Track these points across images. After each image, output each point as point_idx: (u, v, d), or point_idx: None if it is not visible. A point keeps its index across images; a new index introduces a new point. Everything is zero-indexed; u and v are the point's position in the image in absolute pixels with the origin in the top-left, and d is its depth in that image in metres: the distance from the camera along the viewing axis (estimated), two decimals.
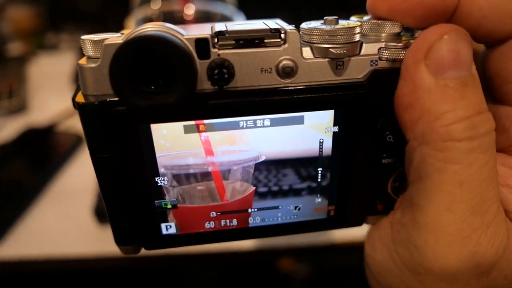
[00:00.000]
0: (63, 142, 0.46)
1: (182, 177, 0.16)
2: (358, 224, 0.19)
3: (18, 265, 0.33)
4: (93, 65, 0.14)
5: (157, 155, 0.16)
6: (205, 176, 0.16)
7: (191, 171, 0.16)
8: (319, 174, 0.18)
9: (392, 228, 0.17)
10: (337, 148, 0.17)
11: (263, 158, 0.17)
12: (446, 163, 0.14)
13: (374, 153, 0.17)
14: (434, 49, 0.13)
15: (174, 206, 0.17)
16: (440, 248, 0.15)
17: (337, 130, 0.17)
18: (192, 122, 0.15)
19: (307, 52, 0.15)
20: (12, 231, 0.36)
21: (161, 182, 0.17)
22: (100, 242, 0.34)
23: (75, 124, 0.48)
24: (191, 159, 0.16)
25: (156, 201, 0.17)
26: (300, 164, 0.17)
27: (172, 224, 0.18)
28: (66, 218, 0.37)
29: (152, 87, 0.14)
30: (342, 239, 0.35)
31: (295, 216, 0.18)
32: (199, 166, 0.16)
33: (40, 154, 0.43)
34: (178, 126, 0.15)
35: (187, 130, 0.16)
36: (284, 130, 0.16)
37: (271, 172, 0.17)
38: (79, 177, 0.41)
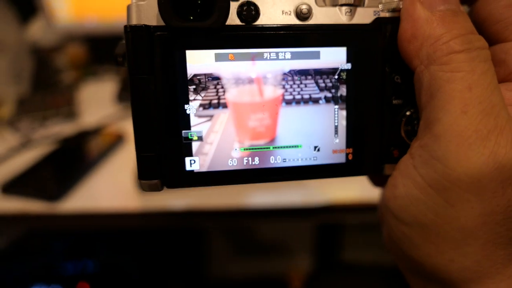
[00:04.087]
0: (109, 137, 0.61)
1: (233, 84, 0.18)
2: (377, 171, 0.19)
3: (76, 218, 0.48)
4: (141, 2, 0.16)
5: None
6: (250, 80, 0.18)
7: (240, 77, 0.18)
8: (335, 110, 0.19)
9: (413, 157, 0.17)
10: (351, 85, 0.18)
11: (288, 70, 0.18)
12: (452, 72, 0.15)
13: (384, 94, 0.19)
14: None
15: (200, 138, 0.18)
16: (461, 152, 0.15)
17: (350, 68, 0.18)
18: (223, 51, 0.17)
19: (320, 1, 0.18)
20: (74, 190, 0.50)
21: (189, 111, 0.17)
22: (139, 201, 0.48)
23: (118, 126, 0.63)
24: (241, 69, 0.18)
25: (183, 131, 0.18)
26: (317, 81, 0.18)
27: (196, 160, 0.18)
28: (114, 182, 0.51)
29: (191, 17, 0.16)
30: None
31: (315, 158, 0.19)
32: (247, 74, 0.18)
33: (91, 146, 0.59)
34: (210, 53, 0.17)
35: (217, 58, 0.17)
36: (304, 63, 0.18)
37: (295, 82, 0.18)
38: (127, 153, 0.57)
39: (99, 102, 0.72)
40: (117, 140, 0.60)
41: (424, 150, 0.16)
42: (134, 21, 0.16)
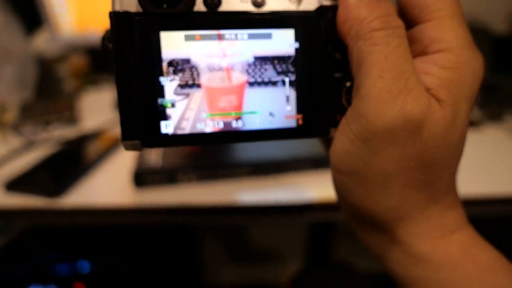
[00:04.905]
0: (108, 141, 0.64)
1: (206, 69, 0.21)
2: (324, 134, 0.22)
3: (75, 213, 0.51)
4: None
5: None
6: (221, 68, 0.21)
7: (213, 65, 0.21)
8: (287, 82, 0.22)
9: (346, 117, 0.20)
10: (299, 61, 0.21)
11: (252, 60, 0.21)
12: (372, 46, 0.18)
13: (327, 69, 0.22)
14: None
15: (173, 105, 0.21)
16: (378, 107, 0.18)
17: (298, 46, 0.21)
18: (190, 32, 0.20)
19: None
20: (73, 188, 0.53)
21: (163, 82, 0.20)
22: (134, 198, 0.51)
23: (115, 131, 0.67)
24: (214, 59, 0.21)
25: (159, 99, 0.20)
26: (275, 65, 0.22)
27: (170, 123, 0.21)
28: (112, 181, 0.55)
29: (165, 2, 0.19)
30: None
31: (271, 122, 0.22)
32: (217, 62, 0.21)
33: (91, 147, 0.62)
34: (180, 34, 0.20)
35: (187, 38, 0.20)
36: (259, 43, 0.21)
37: (257, 68, 0.21)
38: (124, 155, 0.60)
39: (99, 109, 0.76)
40: (115, 144, 0.63)
41: (353, 110, 0.19)
42: (117, 8, 0.19)
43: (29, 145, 0.62)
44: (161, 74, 0.20)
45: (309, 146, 0.58)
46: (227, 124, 0.22)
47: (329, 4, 0.21)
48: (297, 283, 0.64)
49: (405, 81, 0.18)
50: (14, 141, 0.65)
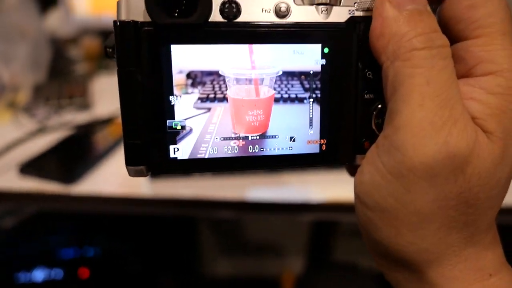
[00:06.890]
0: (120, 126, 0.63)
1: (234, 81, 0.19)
2: (349, 161, 0.20)
3: (87, 200, 0.50)
4: None
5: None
6: (249, 81, 0.19)
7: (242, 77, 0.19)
8: (310, 104, 0.20)
9: (377, 146, 0.18)
10: (325, 80, 0.19)
11: (280, 73, 0.19)
12: (413, 68, 0.16)
13: (357, 89, 0.19)
14: None
15: (183, 127, 0.19)
16: (417, 141, 0.16)
17: (324, 63, 0.19)
18: (207, 46, 0.18)
19: (298, 0, 0.19)
20: (86, 175, 0.53)
21: (174, 101, 0.18)
22: (148, 187, 0.51)
23: None
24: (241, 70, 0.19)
25: (168, 121, 0.18)
26: (302, 81, 0.19)
27: (180, 147, 0.19)
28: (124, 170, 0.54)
29: (177, 11, 0.17)
30: None
31: (291, 148, 0.20)
32: (247, 73, 0.19)
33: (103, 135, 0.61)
34: (197, 47, 0.18)
35: (208, 50, 0.18)
36: (287, 58, 0.19)
37: (283, 83, 0.19)
38: None
39: (112, 95, 0.75)
40: None
41: (386, 140, 0.17)
42: (123, 17, 0.17)
43: (42, 128, 0.62)
44: (171, 92, 0.18)
45: None
46: (242, 149, 0.20)
47: (362, 15, 0.19)
48: (301, 282, 0.65)
49: (450, 110, 0.16)
50: (26, 123, 0.64)
